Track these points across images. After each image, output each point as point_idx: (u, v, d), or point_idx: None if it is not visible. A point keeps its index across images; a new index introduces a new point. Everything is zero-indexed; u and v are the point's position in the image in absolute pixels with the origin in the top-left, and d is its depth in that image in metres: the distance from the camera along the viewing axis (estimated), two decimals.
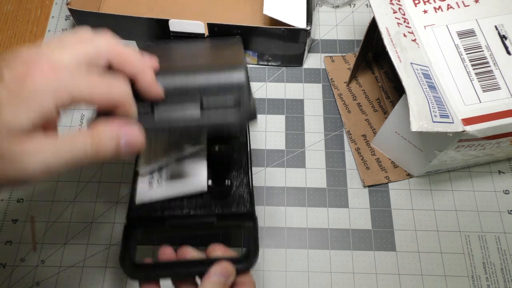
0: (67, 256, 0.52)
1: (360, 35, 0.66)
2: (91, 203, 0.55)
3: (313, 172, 0.56)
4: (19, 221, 0.54)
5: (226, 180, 0.40)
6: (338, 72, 0.62)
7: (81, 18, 0.60)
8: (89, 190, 0.55)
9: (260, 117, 0.60)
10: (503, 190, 0.55)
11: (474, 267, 0.51)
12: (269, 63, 0.63)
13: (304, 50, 0.60)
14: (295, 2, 0.57)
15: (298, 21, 0.56)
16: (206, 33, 0.57)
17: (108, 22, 0.58)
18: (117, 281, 0.50)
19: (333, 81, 0.62)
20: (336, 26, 0.67)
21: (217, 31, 0.57)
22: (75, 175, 0.56)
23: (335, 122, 0.60)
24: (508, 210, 0.54)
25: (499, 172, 0.56)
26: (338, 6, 0.67)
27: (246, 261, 0.37)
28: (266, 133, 0.59)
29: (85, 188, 0.55)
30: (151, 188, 0.40)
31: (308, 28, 0.55)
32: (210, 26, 0.56)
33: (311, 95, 0.61)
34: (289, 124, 0.59)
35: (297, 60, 0.62)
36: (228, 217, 0.40)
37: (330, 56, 0.64)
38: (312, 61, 0.64)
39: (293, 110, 0.60)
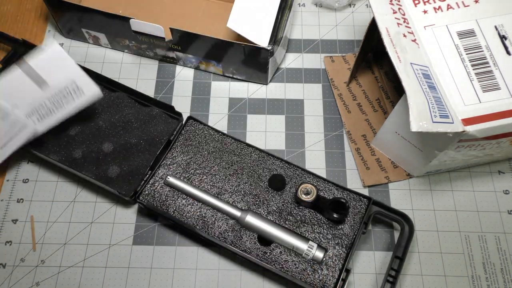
0: (67, 256, 0.52)
1: (360, 35, 0.66)
2: (91, 203, 0.55)
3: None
4: (19, 221, 0.54)
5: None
6: (338, 72, 0.62)
7: (56, 8, 0.60)
8: (89, 190, 0.55)
9: (260, 117, 0.60)
10: (503, 190, 0.55)
11: (474, 267, 0.51)
12: (234, 76, 0.62)
13: (267, 68, 0.58)
14: (262, 18, 0.55)
15: (261, 39, 0.54)
16: (168, 37, 0.57)
17: (83, 16, 0.59)
18: (117, 281, 0.50)
19: (333, 81, 0.62)
20: (336, 26, 0.67)
21: (180, 37, 0.57)
22: (75, 175, 0.56)
23: (335, 122, 0.60)
24: (508, 210, 0.54)
25: (499, 172, 0.56)
26: (337, 9, 0.67)
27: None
28: (266, 133, 0.59)
29: (85, 188, 0.55)
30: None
31: (270, 48, 0.54)
32: (173, 31, 0.56)
33: (311, 95, 0.61)
34: (289, 124, 0.59)
35: (261, 78, 0.61)
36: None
37: (330, 56, 0.64)
38: (312, 61, 0.64)
39: (293, 110, 0.60)
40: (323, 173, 0.56)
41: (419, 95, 0.42)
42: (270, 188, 0.52)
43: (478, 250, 0.52)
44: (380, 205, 0.51)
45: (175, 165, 0.53)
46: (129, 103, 0.58)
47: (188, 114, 0.60)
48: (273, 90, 0.62)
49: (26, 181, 0.56)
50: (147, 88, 0.62)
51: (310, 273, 0.47)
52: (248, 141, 0.58)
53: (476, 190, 0.55)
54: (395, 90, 0.60)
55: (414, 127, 0.41)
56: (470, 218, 0.53)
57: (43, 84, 0.47)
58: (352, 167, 0.57)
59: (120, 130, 0.57)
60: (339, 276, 0.47)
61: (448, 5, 0.49)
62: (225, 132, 0.58)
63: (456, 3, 0.49)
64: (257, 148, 0.54)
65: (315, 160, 0.57)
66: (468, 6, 0.49)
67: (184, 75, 0.63)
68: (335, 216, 0.48)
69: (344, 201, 0.49)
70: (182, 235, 0.53)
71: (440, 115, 0.42)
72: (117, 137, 0.56)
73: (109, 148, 0.55)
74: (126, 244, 0.52)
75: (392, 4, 0.49)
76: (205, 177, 0.53)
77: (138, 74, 0.63)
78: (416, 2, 0.50)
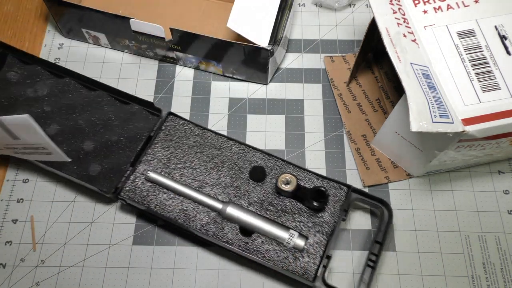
0: (67, 256, 0.52)
1: (360, 35, 0.66)
2: (91, 203, 0.55)
3: None
4: (19, 221, 0.54)
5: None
6: (338, 72, 0.62)
7: (56, 8, 0.60)
8: (89, 190, 0.55)
9: (260, 117, 0.60)
10: (503, 190, 0.55)
11: (474, 267, 0.51)
12: (234, 76, 0.62)
13: (267, 68, 0.58)
14: (262, 18, 0.55)
15: (261, 39, 0.54)
16: (168, 37, 0.57)
17: (83, 16, 0.59)
18: (117, 281, 0.50)
19: (333, 81, 0.62)
20: (336, 26, 0.67)
21: (180, 37, 0.57)
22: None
23: (335, 122, 0.60)
24: (508, 210, 0.54)
25: (499, 172, 0.56)
26: (337, 9, 0.67)
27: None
28: (266, 133, 0.59)
29: (85, 188, 0.55)
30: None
31: (270, 48, 0.54)
32: (173, 31, 0.56)
33: (311, 95, 0.61)
34: (289, 124, 0.59)
35: (261, 78, 0.61)
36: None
37: (330, 56, 0.64)
38: (312, 61, 0.64)
39: (293, 110, 0.60)
40: (323, 173, 0.56)
41: (419, 95, 0.42)
42: (251, 180, 0.52)
43: (478, 250, 0.52)
44: (360, 192, 0.51)
45: (155, 160, 0.53)
46: (109, 101, 0.58)
47: (188, 114, 0.60)
48: (273, 90, 0.62)
49: (26, 181, 0.56)
50: (147, 88, 0.62)
51: (291, 261, 0.48)
52: (248, 141, 0.58)
53: (476, 190, 0.55)
54: (395, 90, 0.60)
55: (414, 127, 0.41)
56: (470, 218, 0.53)
57: (15, 137, 0.47)
58: (352, 167, 0.57)
59: (100, 128, 0.57)
60: (320, 262, 0.48)
61: (448, 5, 0.49)
62: (225, 132, 0.58)
63: (456, 3, 0.49)
64: (237, 141, 0.54)
65: (315, 160, 0.57)
66: (468, 6, 0.49)
67: (184, 75, 0.63)
68: (315, 204, 0.49)
69: (324, 189, 0.49)
70: (182, 236, 0.53)
71: (440, 115, 0.42)
72: (97, 135, 0.56)
73: (89, 146, 0.55)
74: (126, 244, 0.52)
75: (392, 4, 0.49)
76: (186, 171, 0.53)
77: (138, 74, 0.63)
78: (416, 2, 0.50)
